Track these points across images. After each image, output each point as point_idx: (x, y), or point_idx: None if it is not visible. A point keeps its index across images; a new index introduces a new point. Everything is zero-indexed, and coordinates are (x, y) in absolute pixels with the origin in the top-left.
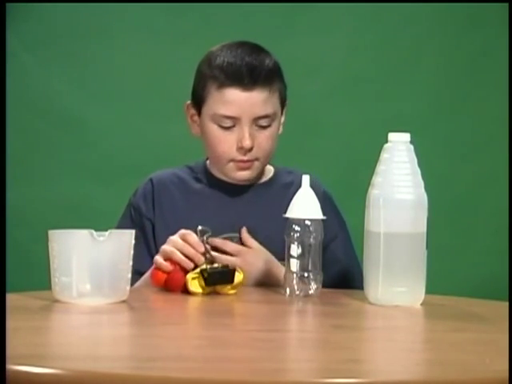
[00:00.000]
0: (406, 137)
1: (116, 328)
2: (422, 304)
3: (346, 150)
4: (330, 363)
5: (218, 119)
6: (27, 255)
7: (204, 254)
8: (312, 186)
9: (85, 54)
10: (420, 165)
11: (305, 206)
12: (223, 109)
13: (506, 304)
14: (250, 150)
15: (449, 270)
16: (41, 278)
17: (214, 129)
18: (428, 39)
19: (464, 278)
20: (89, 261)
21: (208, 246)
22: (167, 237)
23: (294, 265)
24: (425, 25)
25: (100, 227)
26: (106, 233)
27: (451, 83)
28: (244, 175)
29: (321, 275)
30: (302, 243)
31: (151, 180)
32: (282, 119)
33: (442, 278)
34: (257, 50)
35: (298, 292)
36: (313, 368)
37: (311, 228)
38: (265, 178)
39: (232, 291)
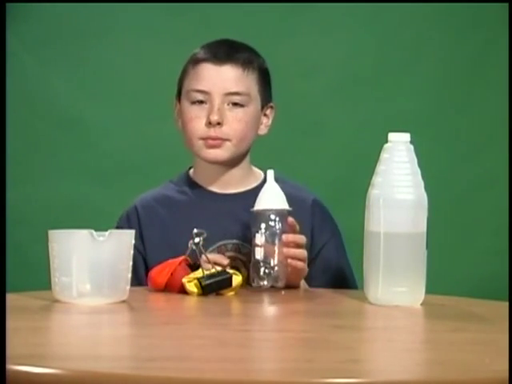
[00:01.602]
0: (406, 137)
1: (116, 328)
2: (421, 304)
3: (346, 150)
4: (329, 363)
5: (190, 96)
6: (27, 255)
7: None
8: (301, 195)
9: (85, 53)
10: (420, 165)
11: (270, 197)
12: (195, 83)
13: (506, 304)
14: (220, 125)
15: (449, 269)
16: (41, 278)
17: (187, 107)
18: (428, 39)
19: (464, 278)
20: (89, 261)
21: (203, 250)
22: (160, 256)
23: (259, 253)
24: (425, 25)
25: (100, 227)
26: (106, 233)
27: (451, 83)
28: (212, 154)
29: (286, 268)
30: (266, 233)
31: (135, 205)
32: (265, 120)
33: (442, 278)
34: (239, 42)
35: (266, 283)
36: (313, 368)
37: (276, 219)
38: (252, 185)
39: (231, 293)
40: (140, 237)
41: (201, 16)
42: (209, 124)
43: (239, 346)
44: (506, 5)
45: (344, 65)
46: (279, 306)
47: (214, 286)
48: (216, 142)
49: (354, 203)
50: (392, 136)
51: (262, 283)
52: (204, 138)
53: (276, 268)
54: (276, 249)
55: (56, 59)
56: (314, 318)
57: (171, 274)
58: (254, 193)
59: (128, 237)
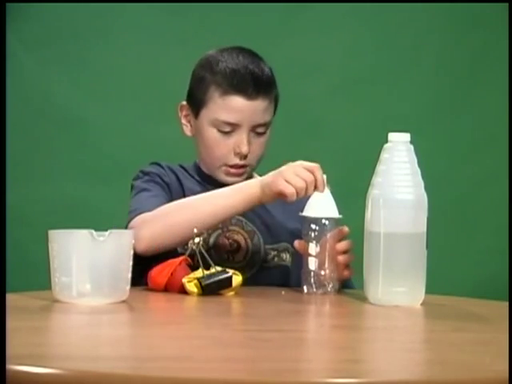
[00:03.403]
0: (406, 137)
1: (116, 328)
2: (421, 304)
3: (346, 150)
4: (329, 363)
5: (218, 124)
6: (27, 255)
7: (193, 257)
8: None
9: (85, 54)
10: (420, 165)
11: (321, 204)
12: (226, 115)
13: (506, 304)
14: (246, 156)
15: (449, 270)
16: (41, 278)
17: (213, 133)
18: (428, 39)
19: (464, 278)
20: (89, 261)
21: (203, 250)
22: None
23: (312, 263)
24: (425, 25)
25: (100, 227)
26: (106, 233)
27: (451, 83)
28: (231, 180)
29: (336, 273)
30: (319, 242)
31: (158, 163)
32: None
33: (442, 278)
34: (256, 57)
35: (315, 290)
36: (313, 368)
37: (328, 227)
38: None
39: (231, 293)
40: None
41: (201, 16)
42: (237, 154)
43: (239, 346)
44: (506, 5)
45: (344, 65)
46: (279, 305)
47: (214, 286)
48: (239, 171)
49: (353, 203)
50: (392, 136)
51: (313, 291)
52: (228, 165)
53: (327, 275)
54: (326, 257)
55: (56, 59)
56: (314, 318)
57: (171, 274)
58: None
59: (128, 237)
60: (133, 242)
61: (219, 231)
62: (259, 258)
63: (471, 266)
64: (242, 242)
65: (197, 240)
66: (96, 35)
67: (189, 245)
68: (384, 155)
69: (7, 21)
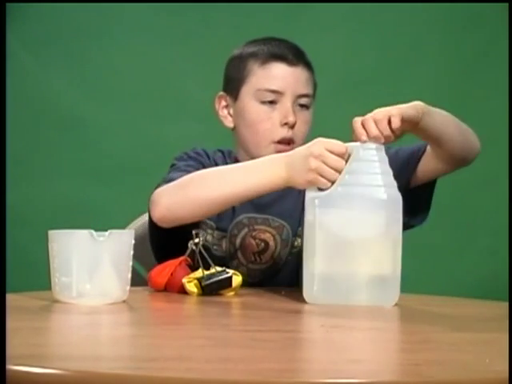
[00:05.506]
0: None
1: (116, 328)
2: (421, 304)
3: None
4: (329, 363)
5: (261, 95)
6: (27, 255)
7: (193, 258)
8: None
9: (85, 53)
10: None
11: None
12: (268, 83)
13: (506, 304)
14: (293, 127)
15: (449, 269)
16: (41, 278)
17: (256, 106)
18: (428, 39)
19: (464, 278)
20: (89, 261)
21: (203, 250)
22: None
23: None
24: (425, 25)
25: (100, 227)
26: (106, 233)
27: (451, 83)
28: None
29: None
30: None
31: (203, 149)
32: None
33: (442, 278)
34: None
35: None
36: (312, 368)
37: None
38: None
39: (231, 293)
40: None
41: (201, 16)
42: (284, 125)
43: (239, 346)
44: (506, 5)
45: (344, 65)
46: (279, 305)
47: (214, 286)
48: (287, 147)
49: None
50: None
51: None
52: (277, 141)
53: None
54: None
55: (56, 59)
56: (314, 318)
57: (171, 274)
58: None
59: (128, 237)
60: (133, 242)
61: (246, 230)
62: (285, 252)
63: (471, 266)
64: (271, 241)
65: (197, 240)
66: (96, 35)
67: (189, 245)
68: (354, 155)
69: (7, 21)
